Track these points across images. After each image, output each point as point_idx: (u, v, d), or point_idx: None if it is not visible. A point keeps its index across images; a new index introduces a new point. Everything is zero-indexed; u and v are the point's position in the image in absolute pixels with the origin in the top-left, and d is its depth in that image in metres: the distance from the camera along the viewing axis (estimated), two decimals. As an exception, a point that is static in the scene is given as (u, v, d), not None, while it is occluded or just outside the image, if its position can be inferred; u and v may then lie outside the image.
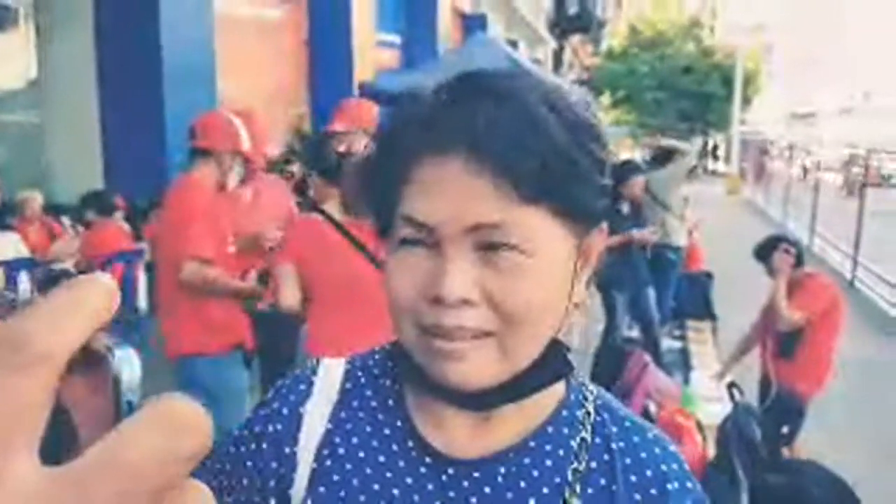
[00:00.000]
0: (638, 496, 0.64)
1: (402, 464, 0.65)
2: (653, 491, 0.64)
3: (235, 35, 6.84)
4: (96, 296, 0.23)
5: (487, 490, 0.63)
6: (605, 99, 27.14)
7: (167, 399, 0.22)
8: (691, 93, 25.51)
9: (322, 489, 0.66)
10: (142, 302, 5.33)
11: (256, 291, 3.01)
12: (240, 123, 3.03)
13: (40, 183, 5.71)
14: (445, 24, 12.24)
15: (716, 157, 29.05)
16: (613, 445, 0.66)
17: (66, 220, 5.64)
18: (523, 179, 0.56)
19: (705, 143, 30.90)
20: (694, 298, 6.23)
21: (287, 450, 0.68)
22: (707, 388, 4.15)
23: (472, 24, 14.08)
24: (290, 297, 2.56)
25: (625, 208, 5.14)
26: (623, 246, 5.01)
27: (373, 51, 9.58)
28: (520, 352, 0.60)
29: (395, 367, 0.71)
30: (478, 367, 0.59)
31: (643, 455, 0.66)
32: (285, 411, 0.70)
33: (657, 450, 0.67)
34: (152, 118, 5.26)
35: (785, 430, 3.48)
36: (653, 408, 4.17)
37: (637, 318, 5.34)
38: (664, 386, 4.39)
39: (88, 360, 0.25)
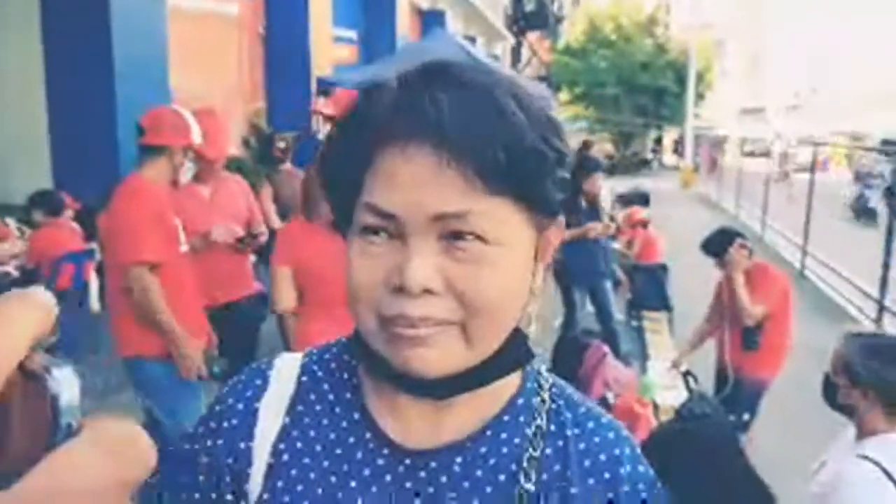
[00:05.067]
0: (592, 480, 0.65)
1: (359, 455, 0.65)
2: (606, 475, 0.66)
3: (190, 29, 6.71)
4: (30, 313, 0.22)
5: (444, 479, 0.64)
6: (564, 95, 27.37)
7: (108, 424, 0.22)
8: (647, 89, 25.91)
9: (279, 483, 0.66)
10: (94, 303, 5.20)
11: (183, 339, 2.78)
12: (191, 117, 2.96)
13: (-15, 182, 5.53)
14: (403, 20, 12.20)
15: (677, 153, 29.56)
16: (568, 432, 0.67)
17: (11, 221, 5.47)
18: (491, 171, 0.56)
19: (659, 138, 31.45)
20: (650, 290, 6.35)
21: (242, 445, 0.68)
22: (663, 377, 4.23)
23: (430, 19, 14.07)
24: (285, 299, 2.63)
25: (583, 203, 5.20)
26: (581, 239, 5.08)
27: (330, 46, 9.50)
28: (483, 340, 0.60)
29: (352, 359, 0.71)
30: (441, 353, 0.59)
31: (597, 440, 0.67)
32: (240, 406, 0.69)
33: (610, 435, 0.68)
34: (102, 114, 5.13)
35: (746, 417, 3.57)
36: (611, 397, 4.23)
37: (595, 310, 5.41)
38: (622, 376, 4.46)
39: (25, 380, 0.24)
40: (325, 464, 0.66)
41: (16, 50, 5.49)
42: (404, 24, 12.26)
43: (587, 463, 0.66)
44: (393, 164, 0.57)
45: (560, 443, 0.66)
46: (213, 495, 0.68)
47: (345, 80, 6.36)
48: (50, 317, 0.22)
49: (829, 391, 1.99)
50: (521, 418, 0.67)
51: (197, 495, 0.68)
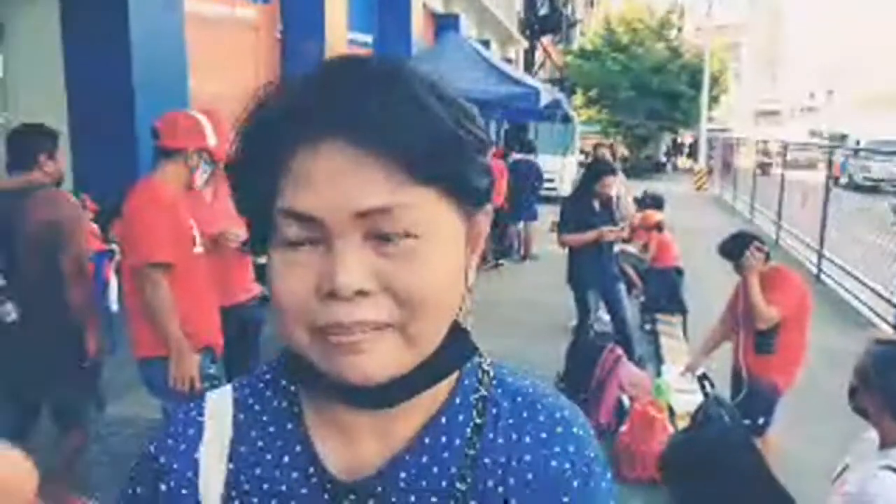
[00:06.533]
0: (526, 467, 0.63)
1: (304, 491, 0.63)
2: (541, 462, 0.64)
3: (207, 34, 6.77)
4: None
5: (394, 499, 0.62)
6: (578, 98, 27.32)
7: None
8: (661, 92, 25.83)
9: None
10: (113, 303, 5.26)
11: (181, 347, 2.78)
12: (206, 120, 2.98)
13: (6, 184, 5.61)
14: (418, 24, 12.24)
15: (692, 156, 29.43)
16: (501, 423, 0.65)
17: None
18: (412, 159, 0.54)
19: (674, 141, 31.32)
20: (664, 293, 6.33)
21: (190, 498, 0.64)
22: (678, 381, 4.21)
23: (444, 23, 14.10)
24: None
25: (596, 206, 5.20)
26: (594, 243, 5.07)
27: (345, 50, 9.55)
28: (423, 339, 0.58)
29: (288, 384, 0.67)
30: (379, 358, 0.56)
31: (530, 427, 0.65)
32: (176, 465, 0.65)
33: (541, 417, 0.66)
34: (121, 118, 5.19)
35: (761, 420, 3.55)
36: (626, 400, 4.23)
37: (609, 313, 5.40)
38: (637, 379, 4.45)
39: None
40: (274, 503, 0.63)
41: (36, 55, 5.56)
42: (419, 29, 12.30)
43: (521, 450, 0.64)
44: (306, 164, 0.54)
45: (491, 434, 0.64)
46: None
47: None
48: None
49: (851, 394, 2.01)
50: (461, 417, 0.64)
51: None
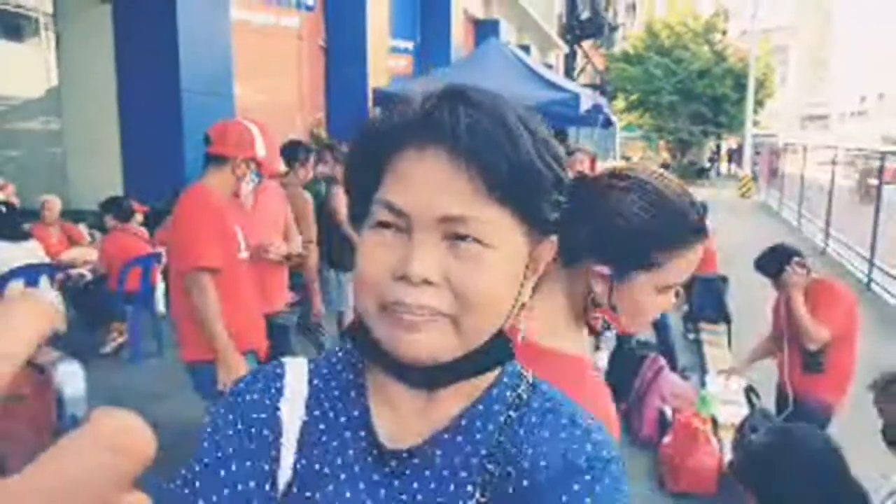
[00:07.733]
0: (544, 462, 0.68)
1: (351, 452, 0.71)
2: (559, 461, 0.68)
3: (253, 42, 6.90)
4: (37, 312, 0.24)
5: (427, 473, 0.69)
6: (619, 103, 27.05)
7: (109, 416, 0.23)
8: (705, 96, 25.40)
9: (303, 485, 0.70)
10: (160, 306, 5.37)
11: (228, 350, 2.80)
12: (257, 131, 3.03)
13: (60, 189, 5.79)
14: (458, 30, 12.28)
15: (738, 162, 28.86)
16: (526, 419, 0.72)
17: (83, 226, 5.71)
18: (495, 180, 0.63)
19: (718, 147, 30.75)
20: (709, 301, 6.21)
21: (271, 437, 0.71)
22: (723, 392, 4.12)
23: (484, 29, 14.11)
24: None
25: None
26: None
27: (387, 57, 9.63)
28: (471, 333, 0.66)
29: (358, 362, 0.76)
30: (431, 339, 0.64)
31: (553, 425, 0.71)
32: (267, 402, 0.73)
33: (563, 420, 0.72)
34: (171, 125, 5.32)
35: None
36: (668, 411, 4.15)
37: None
38: (679, 390, 4.37)
39: (32, 373, 0.25)
40: (329, 457, 0.71)
41: (89, 66, 5.74)
42: (459, 35, 12.34)
43: (540, 443, 0.70)
44: (410, 166, 0.65)
45: (518, 427, 0.71)
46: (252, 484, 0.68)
47: (398, 93, 6.44)
48: (54, 318, 0.24)
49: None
50: (496, 407, 0.72)
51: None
